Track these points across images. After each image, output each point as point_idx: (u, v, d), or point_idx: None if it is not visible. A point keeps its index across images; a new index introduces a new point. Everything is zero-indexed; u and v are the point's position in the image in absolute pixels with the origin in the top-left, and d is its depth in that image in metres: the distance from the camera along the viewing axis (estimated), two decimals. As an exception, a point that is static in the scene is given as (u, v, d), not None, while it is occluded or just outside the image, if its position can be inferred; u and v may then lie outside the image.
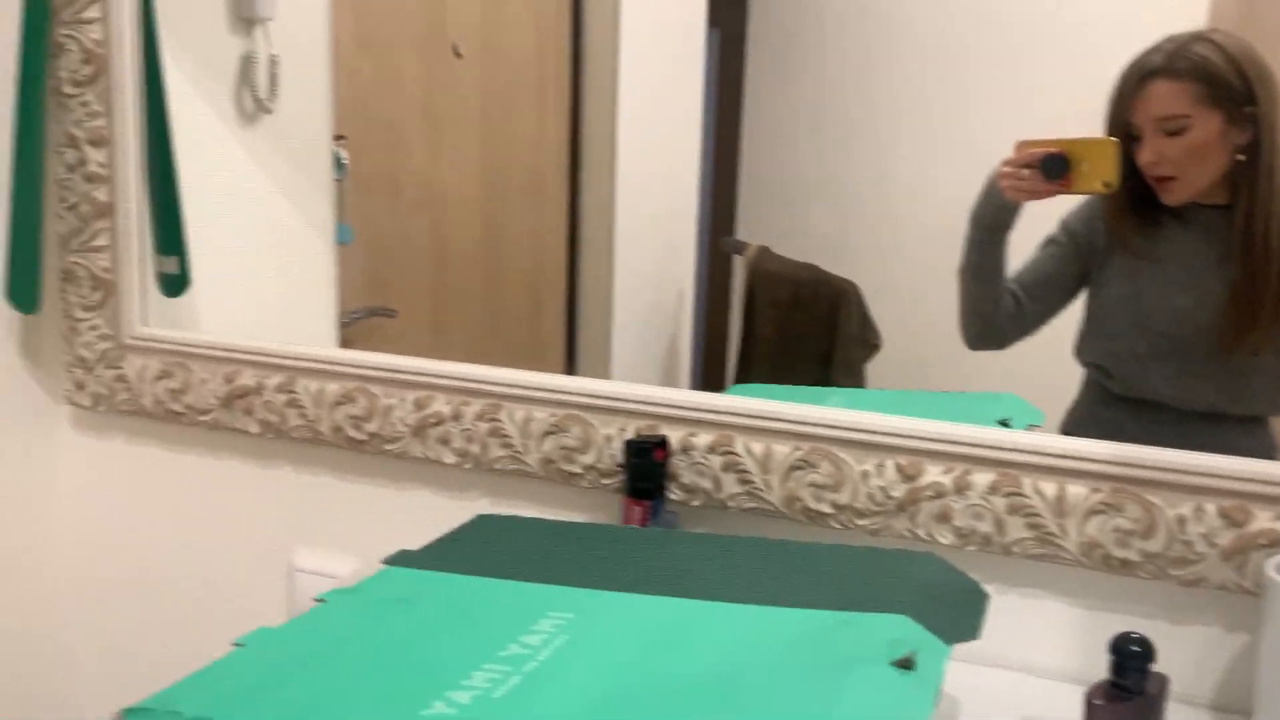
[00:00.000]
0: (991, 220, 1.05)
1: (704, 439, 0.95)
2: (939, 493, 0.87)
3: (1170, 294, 1.03)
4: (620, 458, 0.97)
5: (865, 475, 0.89)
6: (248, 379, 1.13)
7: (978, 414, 1.10)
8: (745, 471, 0.93)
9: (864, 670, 0.57)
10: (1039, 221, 1.08)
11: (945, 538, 0.87)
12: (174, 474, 1.22)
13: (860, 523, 0.90)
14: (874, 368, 1.83)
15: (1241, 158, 1.00)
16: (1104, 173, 0.95)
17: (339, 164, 1.64)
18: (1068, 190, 0.98)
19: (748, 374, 2.09)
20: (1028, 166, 0.99)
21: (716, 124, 2.31)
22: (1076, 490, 0.83)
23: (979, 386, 1.21)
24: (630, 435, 0.97)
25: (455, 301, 2.04)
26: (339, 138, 1.55)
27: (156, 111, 1.21)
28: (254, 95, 1.39)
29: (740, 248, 2.22)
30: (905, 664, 0.58)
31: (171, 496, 1.22)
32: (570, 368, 2.27)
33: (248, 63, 1.38)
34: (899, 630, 0.62)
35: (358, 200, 1.70)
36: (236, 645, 0.65)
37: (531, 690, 0.57)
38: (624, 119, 2.21)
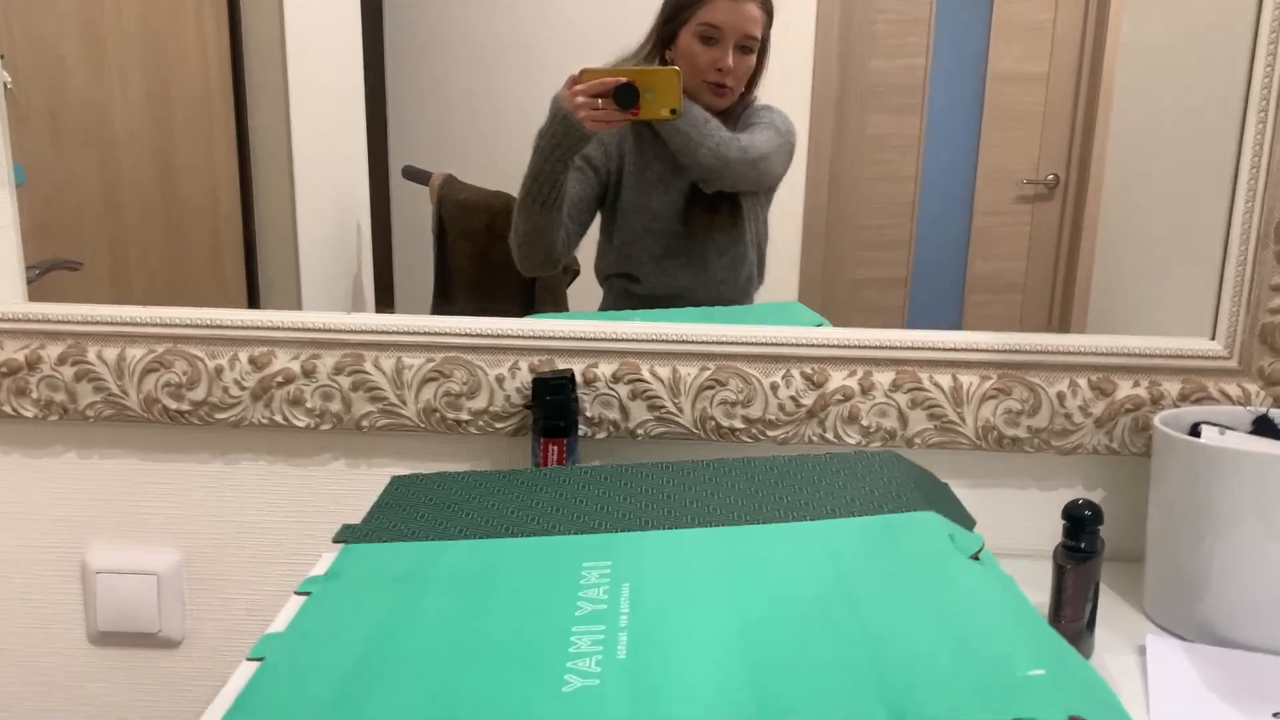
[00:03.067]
0: (566, 150, 1.11)
1: (607, 369, 0.92)
2: (846, 396, 0.91)
3: (664, 197, 1.19)
4: (524, 398, 0.91)
5: (774, 387, 0.91)
6: (12, 352, 0.92)
7: (793, 320, 1.15)
8: (655, 397, 0.91)
9: (958, 565, 0.59)
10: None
11: (852, 437, 0.92)
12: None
13: (771, 434, 0.92)
14: (573, 292, 1.86)
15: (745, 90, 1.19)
16: (670, 100, 1.04)
17: (3, 88, 1.39)
18: (637, 117, 1.05)
19: (447, 308, 2.04)
20: (601, 96, 1.04)
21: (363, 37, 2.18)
22: (969, 379, 0.90)
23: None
24: (525, 373, 0.92)
25: (134, 246, 1.79)
26: (-5, 56, 1.30)
27: None
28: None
29: (423, 177, 2.13)
30: (974, 555, 0.61)
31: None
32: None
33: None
34: (942, 525, 0.65)
35: (17, 133, 1.44)
36: (256, 659, 0.54)
37: (656, 641, 0.53)
38: (291, 25, 2.02)
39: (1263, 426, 0.85)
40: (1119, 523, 0.93)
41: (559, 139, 1.10)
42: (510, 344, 0.92)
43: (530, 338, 0.92)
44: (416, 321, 0.92)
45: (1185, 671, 0.74)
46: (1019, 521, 0.94)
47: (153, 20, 1.78)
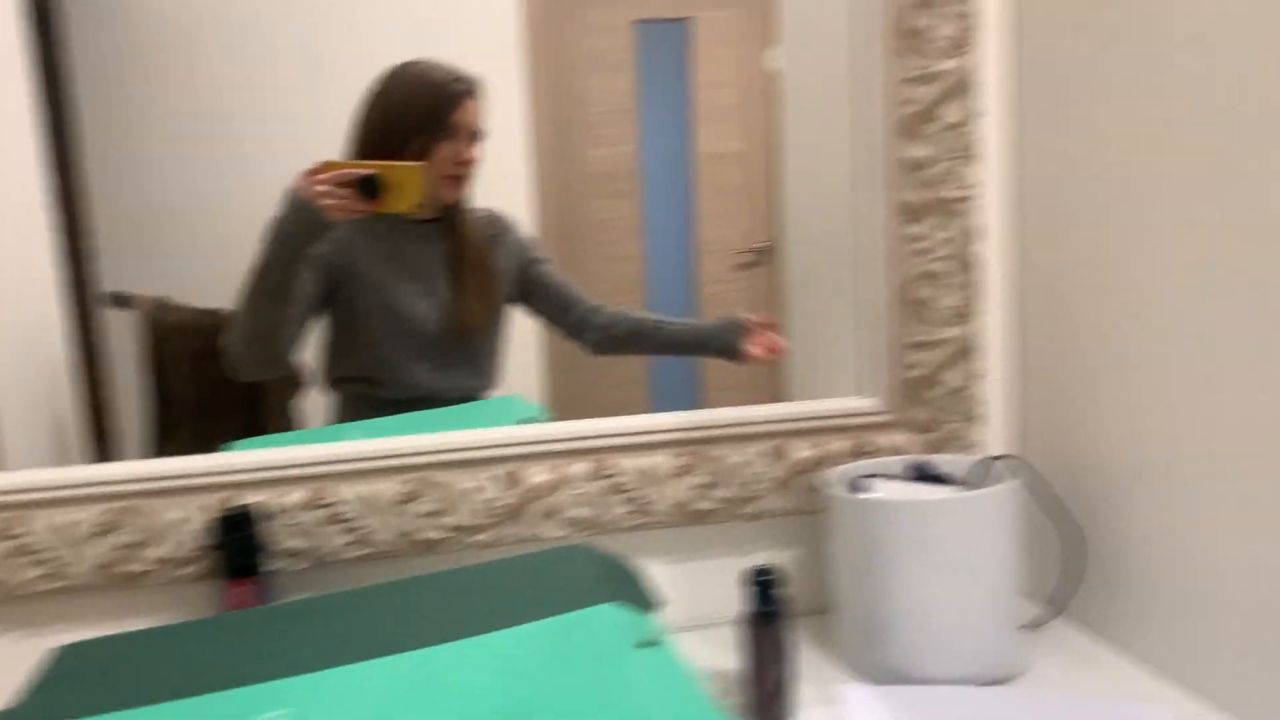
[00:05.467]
0: (304, 238, 1.08)
1: (296, 496, 0.89)
2: (547, 490, 0.92)
3: (412, 300, 1.17)
4: (206, 539, 0.87)
5: (473, 492, 0.91)
6: None
7: (511, 414, 1.16)
8: (349, 519, 0.89)
9: (628, 658, 0.60)
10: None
11: (557, 531, 0.93)
12: None
13: (475, 539, 0.92)
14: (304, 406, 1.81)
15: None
16: (413, 195, 1.06)
17: None
18: (381, 209, 1.06)
19: (170, 437, 1.93)
20: (345, 186, 1.05)
21: (59, 166, 2.08)
22: (658, 460, 0.94)
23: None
24: (209, 513, 0.87)
25: None
26: None
27: None
28: None
29: (127, 302, 2.02)
30: (647, 643, 0.63)
31: None
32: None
33: None
34: (618, 616, 0.67)
35: None
36: None
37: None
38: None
39: (919, 473, 0.93)
40: (813, 579, 0.99)
41: (298, 227, 1.05)
42: (192, 483, 0.88)
43: (213, 474, 0.88)
44: (81, 473, 0.86)
45: (880, 714, 0.79)
46: (719, 591, 0.98)
47: None
